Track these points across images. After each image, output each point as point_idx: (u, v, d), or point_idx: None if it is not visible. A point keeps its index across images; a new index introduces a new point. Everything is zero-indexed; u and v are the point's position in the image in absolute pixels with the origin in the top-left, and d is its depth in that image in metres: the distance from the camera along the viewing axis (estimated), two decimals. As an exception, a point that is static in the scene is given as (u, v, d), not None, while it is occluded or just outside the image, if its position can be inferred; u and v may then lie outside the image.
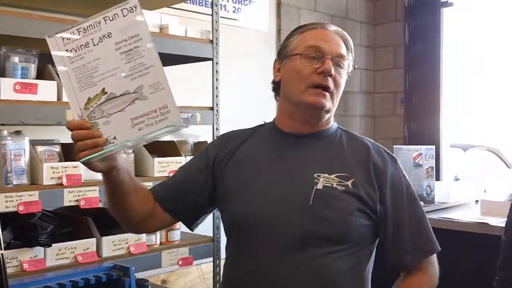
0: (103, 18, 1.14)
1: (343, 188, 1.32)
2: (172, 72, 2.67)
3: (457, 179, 4.09)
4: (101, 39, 1.14)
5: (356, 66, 1.45)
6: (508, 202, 2.00)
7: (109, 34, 1.14)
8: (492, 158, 4.76)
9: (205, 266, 2.87)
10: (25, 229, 1.96)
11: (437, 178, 3.71)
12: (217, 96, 2.38)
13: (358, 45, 4.14)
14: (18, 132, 1.92)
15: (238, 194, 1.37)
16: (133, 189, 1.35)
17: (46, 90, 1.92)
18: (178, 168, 1.55)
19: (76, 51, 1.15)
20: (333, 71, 1.33)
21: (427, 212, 2.56)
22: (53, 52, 1.16)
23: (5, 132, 1.88)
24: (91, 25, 1.15)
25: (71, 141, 2.07)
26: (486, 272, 1.83)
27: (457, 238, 2.36)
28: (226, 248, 1.45)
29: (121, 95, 1.14)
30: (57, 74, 2.00)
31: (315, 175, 1.33)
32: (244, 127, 1.53)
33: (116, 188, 1.31)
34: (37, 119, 1.87)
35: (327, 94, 1.34)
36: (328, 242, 1.28)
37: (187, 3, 2.94)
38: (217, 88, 2.38)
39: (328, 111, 1.38)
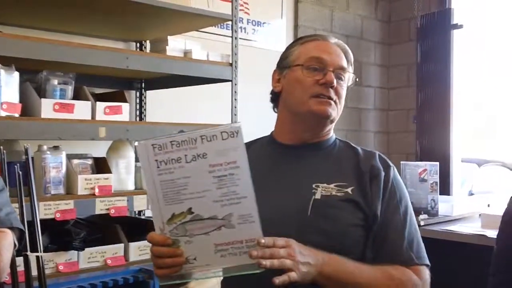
0: (200, 136, 1.06)
1: (343, 194, 1.28)
2: (195, 92, 2.90)
3: (471, 194, 4.19)
4: (195, 157, 1.07)
5: (357, 79, 1.40)
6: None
7: (204, 154, 1.06)
8: (507, 173, 4.84)
9: (223, 273, 3.03)
10: (60, 235, 2.13)
11: (448, 193, 3.84)
12: (235, 114, 2.56)
13: (372, 64, 4.30)
14: (56, 147, 2.11)
15: None
16: None
17: (81, 110, 2.10)
18: None
19: (166, 163, 1.07)
20: (335, 83, 1.31)
21: (430, 224, 2.73)
22: (141, 159, 1.09)
23: (45, 147, 2.08)
24: (186, 140, 1.06)
25: (103, 155, 2.31)
26: (483, 282, 1.94)
27: (457, 249, 2.50)
28: None
29: (208, 218, 1.08)
30: (91, 95, 2.24)
31: (314, 185, 1.29)
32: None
33: None
34: (73, 135, 2.06)
35: (332, 102, 1.32)
36: (328, 252, 1.22)
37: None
38: (235, 107, 2.56)
39: (332, 121, 1.36)
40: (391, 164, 1.40)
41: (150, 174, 1.08)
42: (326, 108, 1.32)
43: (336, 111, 1.34)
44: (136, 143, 1.11)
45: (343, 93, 1.36)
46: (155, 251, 1.12)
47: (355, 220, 1.27)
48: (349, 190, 1.29)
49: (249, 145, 1.44)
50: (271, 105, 1.46)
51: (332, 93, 1.32)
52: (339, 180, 1.30)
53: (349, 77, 1.37)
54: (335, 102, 1.33)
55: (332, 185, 1.29)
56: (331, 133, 1.42)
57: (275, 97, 1.43)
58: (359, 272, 1.21)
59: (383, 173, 1.33)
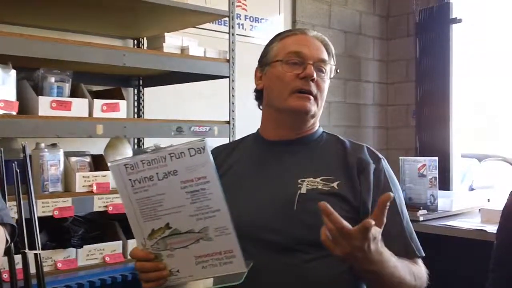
0: (169, 154, 1.09)
1: (328, 189, 1.28)
2: (193, 88, 2.89)
3: (472, 189, 4.18)
4: (166, 175, 1.10)
5: (338, 70, 1.41)
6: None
7: (175, 171, 1.09)
8: (507, 168, 4.83)
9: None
10: (59, 232, 2.13)
11: (448, 188, 3.84)
12: (233, 111, 2.55)
13: (371, 60, 4.29)
14: (54, 145, 2.11)
15: None
16: None
17: (79, 107, 2.09)
18: None
19: (140, 182, 1.11)
20: (315, 76, 1.31)
21: (429, 219, 2.73)
22: (116, 179, 1.12)
23: (43, 145, 2.07)
24: (156, 159, 1.10)
25: (100, 152, 2.30)
26: (483, 276, 1.94)
27: (456, 244, 2.50)
28: None
29: (186, 232, 1.12)
30: (88, 93, 2.24)
31: (299, 180, 1.29)
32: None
33: None
34: (70, 133, 2.05)
35: (312, 98, 1.33)
36: (315, 247, 1.22)
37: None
38: (233, 103, 2.55)
39: (313, 116, 1.36)
40: (381, 156, 1.39)
41: (126, 193, 1.12)
42: (306, 104, 1.32)
43: (316, 106, 1.35)
44: (109, 164, 1.15)
45: (325, 86, 1.36)
46: (139, 266, 1.16)
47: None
48: (335, 184, 1.29)
49: (238, 143, 1.50)
50: None
51: (312, 87, 1.32)
52: (325, 174, 1.31)
53: (330, 69, 1.37)
54: (315, 96, 1.33)
55: (318, 179, 1.30)
56: (316, 126, 1.43)
57: (259, 95, 1.44)
58: (396, 270, 1.18)
59: (373, 166, 1.33)
